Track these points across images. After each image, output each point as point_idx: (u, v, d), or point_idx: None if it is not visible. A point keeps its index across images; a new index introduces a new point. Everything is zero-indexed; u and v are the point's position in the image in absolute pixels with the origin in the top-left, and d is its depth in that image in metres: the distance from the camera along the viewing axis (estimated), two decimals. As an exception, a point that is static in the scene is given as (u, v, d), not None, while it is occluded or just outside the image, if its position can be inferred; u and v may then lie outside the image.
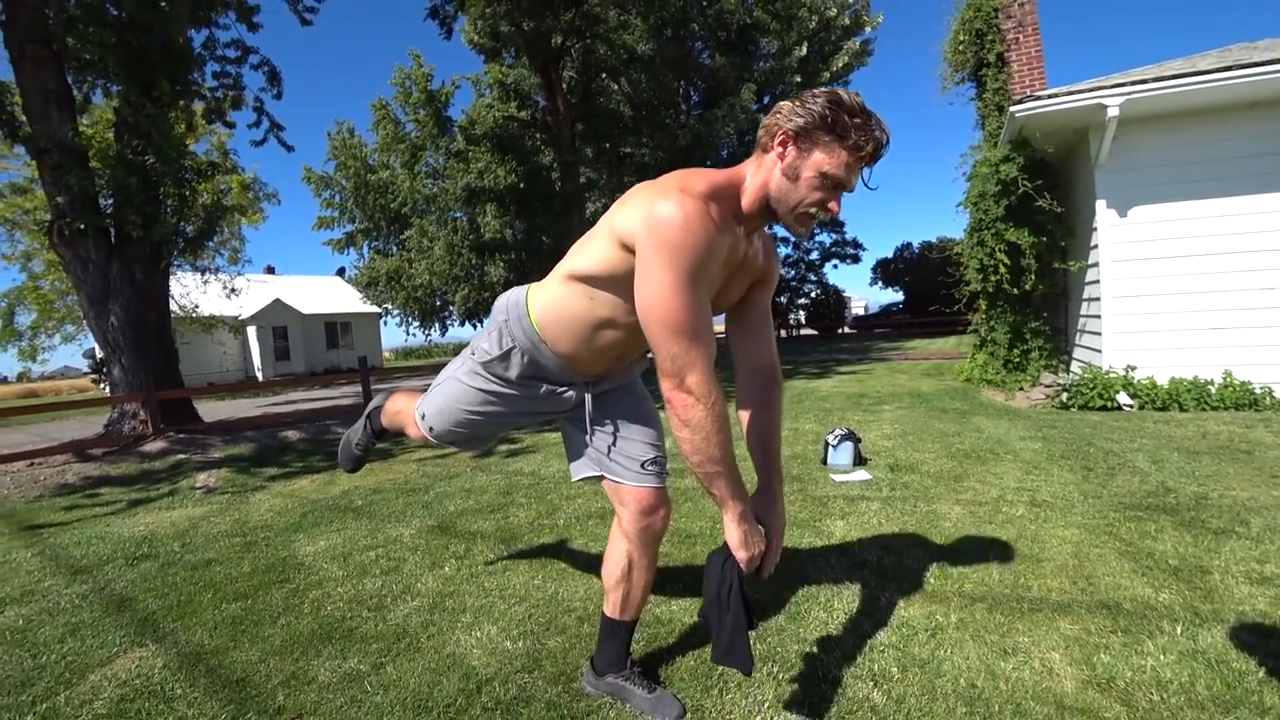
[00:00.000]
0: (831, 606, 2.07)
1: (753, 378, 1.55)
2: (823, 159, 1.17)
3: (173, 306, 16.26)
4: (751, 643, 1.33)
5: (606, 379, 1.59)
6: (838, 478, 3.68)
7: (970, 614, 1.95)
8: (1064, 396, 5.65)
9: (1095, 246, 5.86)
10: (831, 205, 1.20)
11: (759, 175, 1.25)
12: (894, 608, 2.03)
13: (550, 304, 1.43)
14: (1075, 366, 6.76)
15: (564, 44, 13.70)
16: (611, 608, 1.64)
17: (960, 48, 7.65)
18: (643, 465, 1.55)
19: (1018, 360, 7.06)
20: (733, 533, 1.28)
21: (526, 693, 1.72)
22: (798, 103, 1.19)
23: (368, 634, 2.13)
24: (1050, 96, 5.50)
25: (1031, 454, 3.97)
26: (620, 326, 1.38)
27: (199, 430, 7.22)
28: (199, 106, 9.41)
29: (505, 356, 1.50)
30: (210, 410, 11.97)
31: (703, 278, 1.16)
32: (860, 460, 3.95)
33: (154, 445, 6.54)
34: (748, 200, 1.26)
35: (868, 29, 17.26)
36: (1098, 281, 5.82)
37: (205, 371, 22.90)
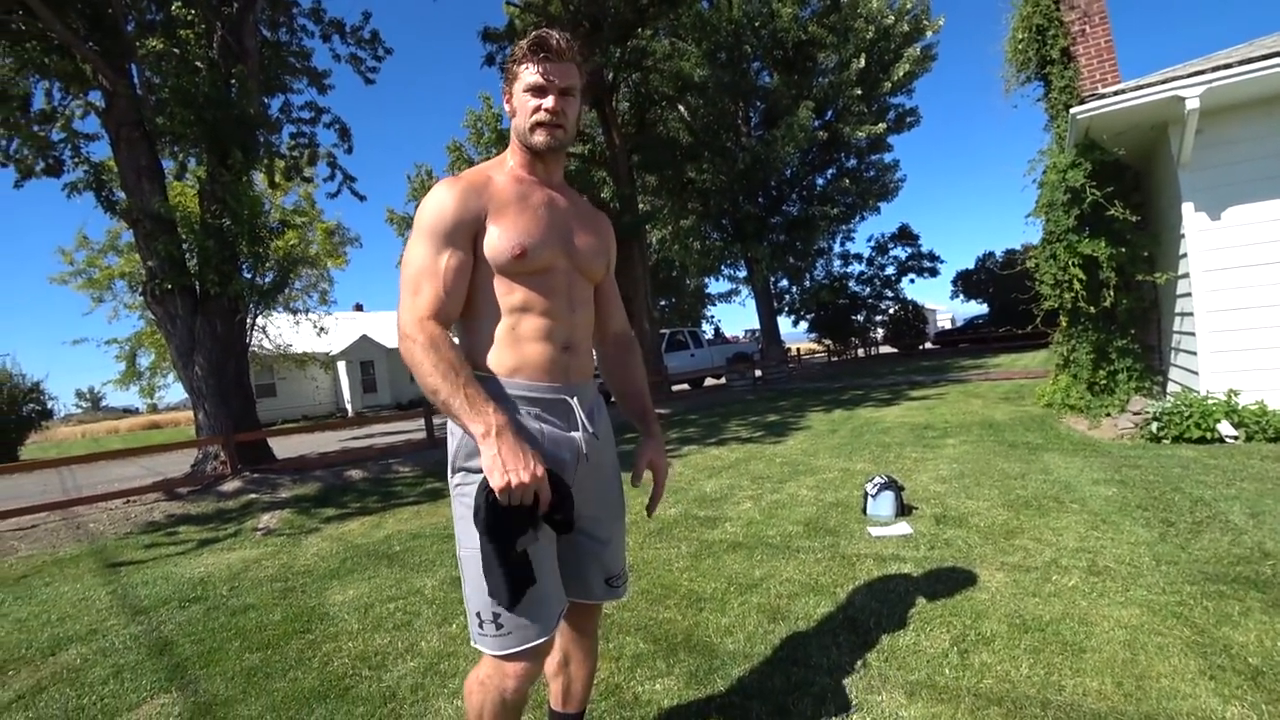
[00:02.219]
0: (824, 700, 1.86)
1: (611, 346, 1.61)
2: (518, 84, 1.33)
3: (267, 345, 17.67)
4: (505, 575, 1.17)
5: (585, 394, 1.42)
6: (875, 531, 3.40)
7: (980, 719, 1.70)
8: (1154, 426, 5.03)
9: (1184, 255, 5.25)
10: (545, 104, 1.30)
11: (512, 134, 1.41)
12: (896, 707, 1.80)
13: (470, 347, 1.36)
14: (1172, 388, 6.05)
15: (616, 79, 13.91)
16: (554, 699, 1.60)
17: (1020, 46, 7.13)
18: None
19: (1104, 383, 6.39)
20: (484, 456, 1.14)
21: None
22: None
23: (360, 694, 2.19)
24: (1116, 94, 4.99)
25: (1102, 503, 3.52)
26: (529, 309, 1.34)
27: (272, 469, 7.66)
28: (279, 165, 10.15)
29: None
30: (299, 444, 12.77)
31: (440, 236, 1.26)
32: (903, 510, 3.63)
33: (231, 485, 6.98)
34: (514, 153, 1.40)
35: (929, 34, 16.48)
36: (1190, 294, 5.20)
37: (299, 404, 24.54)
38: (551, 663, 1.56)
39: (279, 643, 2.71)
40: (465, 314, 1.33)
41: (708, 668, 2.10)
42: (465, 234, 1.27)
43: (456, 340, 1.34)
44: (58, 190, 7.57)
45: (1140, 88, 4.84)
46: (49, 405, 19.88)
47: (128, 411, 48.32)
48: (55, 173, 8.00)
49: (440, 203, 1.26)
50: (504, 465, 1.12)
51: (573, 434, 1.34)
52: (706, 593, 2.77)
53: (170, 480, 7.43)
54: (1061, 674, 1.89)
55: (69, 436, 28.92)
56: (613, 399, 1.67)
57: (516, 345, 1.30)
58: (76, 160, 8.04)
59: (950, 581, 2.64)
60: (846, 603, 2.52)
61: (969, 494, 3.95)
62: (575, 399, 1.35)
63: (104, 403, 59.03)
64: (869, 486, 3.67)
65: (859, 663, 2.05)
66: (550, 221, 1.35)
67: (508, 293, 1.30)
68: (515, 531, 1.17)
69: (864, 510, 3.69)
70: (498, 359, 1.30)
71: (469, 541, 1.27)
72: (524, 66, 1.31)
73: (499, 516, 1.15)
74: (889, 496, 3.57)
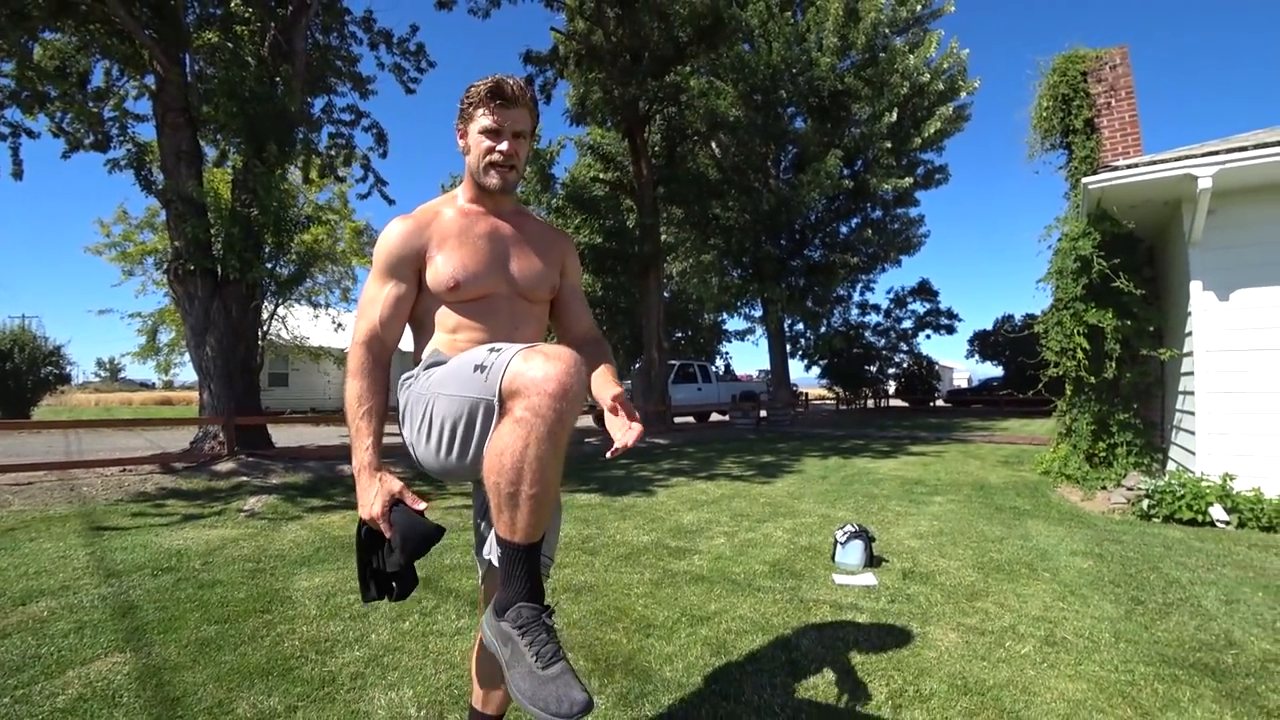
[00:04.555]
0: (746, 741, 1.86)
1: (579, 347, 1.61)
2: (474, 125, 1.44)
3: (285, 335, 17.97)
4: (369, 584, 1.33)
5: None
6: (840, 579, 3.37)
7: (896, 777, 1.68)
8: (1145, 504, 4.95)
9: (1190, 333, 5.21)
10: (500, 147, 1.42)
11: (466, 170, 1.51)
12: (815, 754, 1.79)
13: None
14: (1171, 467, 5.96)
15: (650, 110, 14.20)
16: (475, 699, 1.62)
17: (1046, 114, 7.22)
18: None
19: (1103, 455, 6.30)
20: (357, 486, 1.32)
21: None
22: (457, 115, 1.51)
23: (302, 676, 2.24)
24: (1129, 167, 5.03)
25: (1075, 574, 3.47)
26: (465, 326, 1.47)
27: (267, 455, 7.76)
28: (316, 161, 10.47)
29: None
30: (301, 434, 12.91)
31: (383, 270, 1.42)
32: (872, 561, 3.60)
33: (225, 465, 7.08)
34: (466, 189, 1.53)
35: (963, 94, 16.68)
36: (1192, 373, 5.15)
37: (310, 397, 24.82)
38: (476, 663, 1.59)
39: (237, 619, 2.77)
40: (419, 328, 1.50)
41: (639, 692, 2.10)
42: (407, 267, 1.43)
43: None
44: (98, 165, 7.88)
45: (1154, 163, 4.87)
46: (67, 370, 20.36)
47: (144, 385, 49.15)
48: (102, 148, 8.34)
49: (387, 239, 1.43)
50: (360, 500, 1.31)
51: None
52: (658, 620, 2.77)
53: (168, 454, 7.56)
54: (992, 741, 1.87)
55: (83, 403, 29.48)
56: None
57: (456, 351, 1.41)
58: (123, 138, 8.39)
59: (901, 636, 2.61)
60: (793, 646, 2.51)
61: (942, 552, 3.91)
62: None
63: (122, 374, 60.08)
64: (839, 534, 3.65)
65: (790, 705, 2.04)
66: (490, 252, 1.47)
67: (448, 316, 1.45)
68: (379, 549, 1.32)
69: (833, 557, 3.67)
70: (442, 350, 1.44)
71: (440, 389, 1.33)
72: (480, 110, 1.42)
73: (365, 540, 1.33)
74: (858, 546, 3.55)
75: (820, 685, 2.17)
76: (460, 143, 1.50)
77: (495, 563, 1.37)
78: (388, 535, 1.28)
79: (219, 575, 3.42)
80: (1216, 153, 4.69)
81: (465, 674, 2.22)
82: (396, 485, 1.30)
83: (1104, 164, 6.28)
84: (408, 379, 1.43)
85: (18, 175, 8.44)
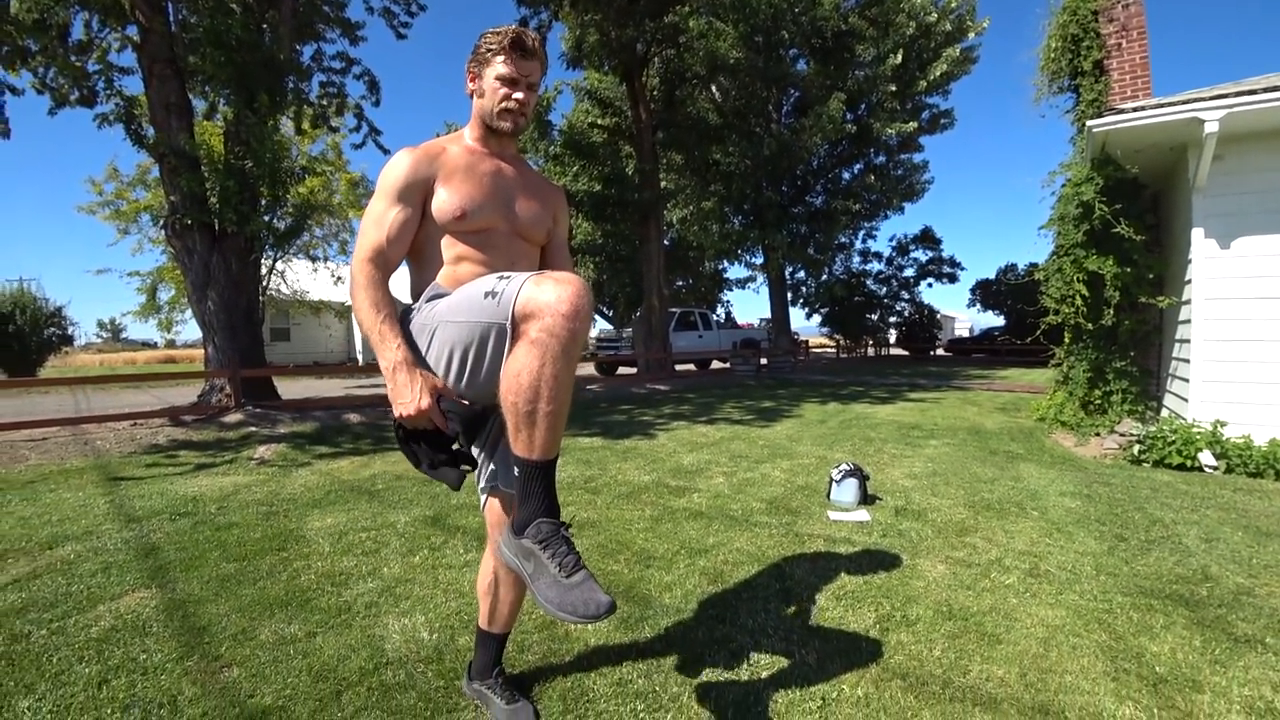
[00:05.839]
0: (739, 656, 1.98)
1: None
2: (490, 70, 1.49)
3: (284, 290, 17.94)
4: (432, 460, 1.40)
5: None
6: (834, 515, 3.50)
7: (880, 690, 1.80)
8: (1136, 449, 5.06)
9: (1189, 281, 5.22)
10: (516, 95, 1.49)
11: (473, 111, 1.57)
12: (804, 668, 1.91)
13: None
14: (1165, 414, 6.05)
15: (648, 53, 13.80)
16: (482, 619, 1.72)
17: (1054, 55, 7.02)
18: None
19: (1098, 402, 6.40)
20: (389, 388, 1.36)
21: (413, 680, 1.86)
22: (470, 56, 1.55)
23: (319, 606, 2.36)
24: (1135, 110, 4.94)
25: (1062, 513, 3.59)
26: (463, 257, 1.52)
27: (274, 406, 7.88)
28: (308, 111, 10.25)
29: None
30: (305, 387, 13.06)
31: (391, 193, 1.45)
32: (866, 499, 3.73)
33: (233, 417, 7.21)
34: (473, 129, 1.58)
35: (971, 35, 16.12)
36: (1190, 321, 5.18)
37: (312, 351, 24.93)
38: (482, 583, 1.69)
39: (254, 557, 2.90)
40: (416, 260, 1.54)
41: (639, 616, 2.23)
42: (415, 194, 1.47)
43: (410, 277, 1.55)
44: (88, 121, 7.73)
45: (1160, 106, 4.79)
46: (70, 331, 20.40)
47: (146, 345, 49.34)
48: (89, 103, 8.15)
49: (396, 165, 1.46)
50: (398, 398, 1.32)
51: None
52: (657, 553, 2.90)
53: (177, 408, 7.68)
54: (971, 659, 1.99)
55: (88, 363, 29.63)
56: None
57: (458, 283, 1.46)
58: (110, 93, 8.19)
59: (891, 567, 2.74)
60: (786, 575, 2.63)
61: (935, 491, 4.03)
62: None
63: (124, 334, 60.22)
64: (834, 473, 3.76)
65: (781, 628, 2.16)
66: (494, 188, 1.53)
67: (451, 246, 1.50)
68: (427, 444, 1.39)
69: (828, 495, 3.79)
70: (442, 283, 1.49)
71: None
72: (500, 58, 1.48)
73: (407, 438, 1.39)
74: (852, 484, 3.66)
75: (811, 610, 2.30)
76: (471, 84, 1.55)
77: (502, 486, 1.47)
78: (443, 425, 1.34)
79: (234, 518, 3.56)
80: (1224, 95, 4.60)
81: (474, 602, 2.35)
82: (436, 379, 1.36)
83: (1111, 107, 6.16)
84: (409, 313, 1.48)
85: (4, 134, 8.29)
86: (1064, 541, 3.11)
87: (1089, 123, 5.29)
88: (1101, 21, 6.52)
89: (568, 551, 1.23)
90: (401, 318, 1.48)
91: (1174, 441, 4.92)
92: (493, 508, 1.57)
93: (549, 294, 1.17)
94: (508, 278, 1.26)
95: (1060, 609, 2.36)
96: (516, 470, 1.27)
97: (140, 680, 1.85)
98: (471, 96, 1.56)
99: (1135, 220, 5.63)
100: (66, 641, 2.09)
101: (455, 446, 1.42)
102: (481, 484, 1.58)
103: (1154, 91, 6.20)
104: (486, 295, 1.25)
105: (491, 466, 1.54)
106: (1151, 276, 5.88)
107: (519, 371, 1.18)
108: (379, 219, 1.45)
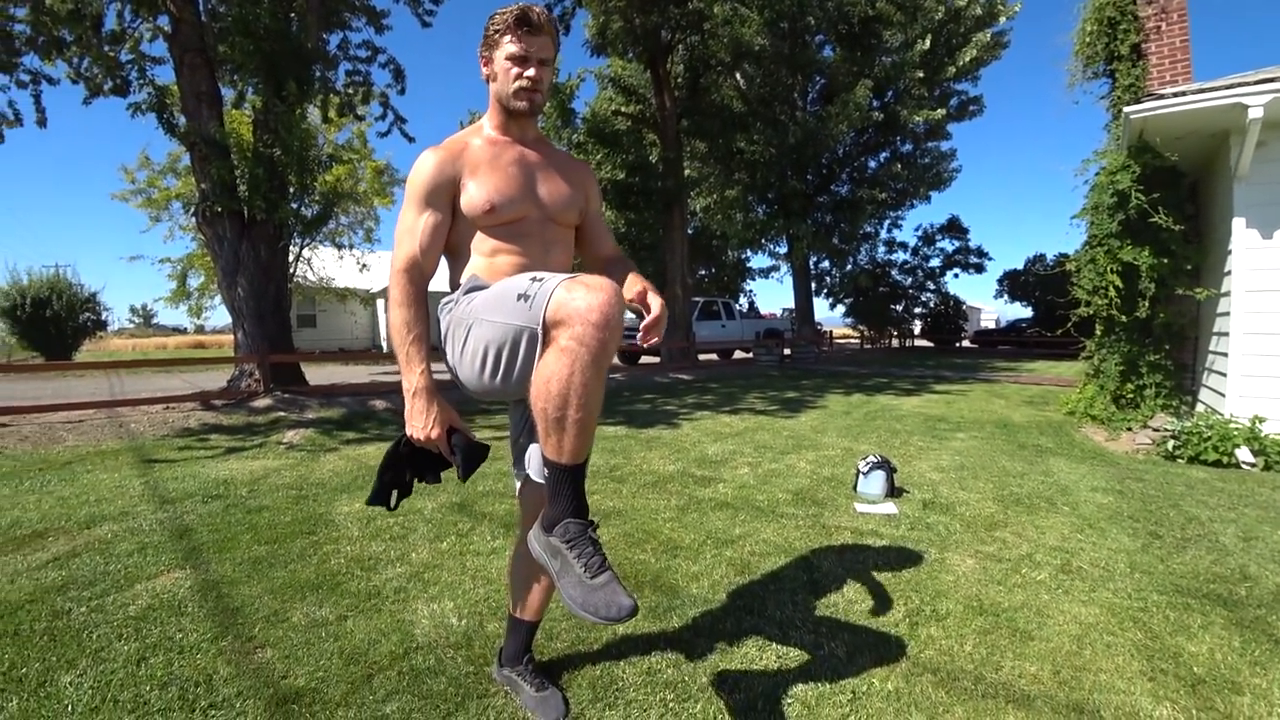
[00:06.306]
0: (767, 648, 1.98)
1: (606, 266, 1.71)
2: (499, 52, 1.48)
3: (310, 277, 18.18)
4: (392, 495, 1.49)
5: None
6: (861, 507, 3.47)
7: (911, 685, 1.79)
8: (1171, 444, 4.94)
9: (1229, 272, 5.07)
10: (527, 73, 1.47)
11: (490, 97, 1.55)
12: (833, 661, 1.90)
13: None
14: (1200, 409, 5.90)
15: (673, 39, 13.66)
16: (512, 605, 1.74)
17: (1090, 38, 6.82)
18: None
19: (1130, 396, 6.26)
20: (406, 407, 1.40)
21: (442, 665, 1.88)
22: (481, 42, 1.53)
23: (349, 590, 2.40)
24: (1175, 95, 4.79)
25: (1094, 509, 3.53)
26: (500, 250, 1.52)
27: (302, 392, 8.01)
28: (334, 100, 10.32)
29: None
30: (332, 373, 13.26)
31: (419, 199, 1.45)
32: (894, 491, 3.69)
33: (262, 402, 7.35)
34: (492, 117, 1.56)
35: (1002, 19, 15.70)
36: (1229, 314, 5.04)
37: (338, 338, 25.28)
38: (513, 571, 1.71)
39: (285, 540, 2.96)
40: (455, 255, 1.54)
41: (667, 606, 2.24)
42: (443, 195, 1.46)
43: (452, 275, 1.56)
44: (121, 110, 7.88)
45: (1201, 91, 4.63)
46: (104, 316, 20.91)
47: (176, 330, 50.44)
48: (122, 93, 8.29)
49: (421, 169, 1.46)
50: (412, 420, 1.38)
51: None
52: (684, 542, 2.90)
53: (207, 393, 7.84)
54: (1003, 656, 1.96)
55: (120, 348, 30.39)
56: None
57: (494, 274, 1.47)
58: (142, 82, 8.32)
59: (920, 561, 2.71)
60: (814, 567, 2.62)
61: (963, 485, 3.98)
62: None
63: (155, 320, 61.66)
64: (861, 464, 3.73)
65: (810, 620, 2.15)
66: (520, 177, 1.51)
67: (484, 240, 1.50)
68: (420, 462, 1.47)
69: (854, 487, 3.76)
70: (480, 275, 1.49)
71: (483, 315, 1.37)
72: (506, 37, 1.45)
73: (409, 453, 1.45)
74: (880, 476, 3.63)
75: (840, 603, 2.28)
76: (485, 70, 1.53)
77: (535, 477, 1.47)
78: (448, 455, 1.39)
79: (265, 501, 3.63)
80: (1270, 80, 4.44)
81: (502, 588, 2.37)
82: (453, 414, 1.41)
83: (1149, 93, 5.97)
84: (448, 303, 1.48)
85: (41, 123, 8.48)
86: (1096, 538, 3.06)
87: (1126, 109, 5.14)
88: (1140, 4, 6.33)
89: (594, 552, 1.24)
90: (441, 307, 1.49)
91: (1210, 437, 4.80)
92: (526, 496, 1.58)
93: (580, 302, 1.16)
94: (540, 279, 1.25)
95: (1094, 606, 2.32)
96: (546, 471, 1.28)
97: (177, 659, 1.89)
98: (487, 82, 1.54)
99: (1173, 210, 5.48)
100: (105, 619, 2.14)
101: (407, 478, 1.50)
102: (515, 470, 1.60)
103: (1193, 76, 6.01)
104: (519, 298, 1.25)
105: (524, 456, 1.55)
106: (1189, 267, 5.72)
107: (549, 378, 1.18)
108: (410, 228, 1.45)
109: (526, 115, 1.53)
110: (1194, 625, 2.19)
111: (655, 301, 1.44)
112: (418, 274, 1.43)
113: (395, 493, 1.49)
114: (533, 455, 1.50)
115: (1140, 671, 1.89)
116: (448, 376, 1.48)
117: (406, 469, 1.47)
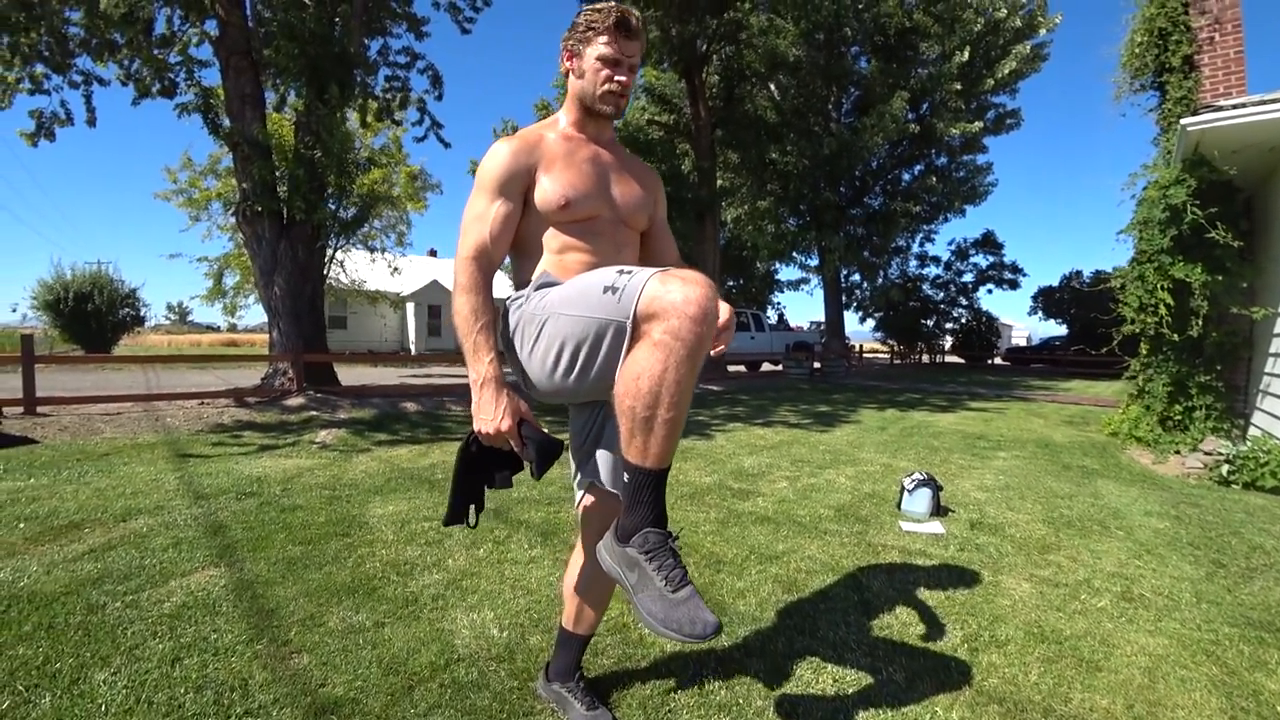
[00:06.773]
0: (822, 670, 1.90)
1: None
2: (591, 50, 1.44)
3: (343, 279, 18.49)
4: (470, 509, 1.41)
5: None
6: (906, 526, 3.37)
7: (976, 714, 1.70)
8: (1225, 469, 4.75)
9: (1290, 293, 4.87)
10: (619, 77, 1.44)
11: (570, 92, 1.52)
12: (892, 687, 1.82)
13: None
14: (1253, 434, 5.67)
15: (709, 49, 13.67)
16: (566, 619, 1.67)
17: (1139, 50, 6.64)
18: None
19: (1178, 418, 6.03)
20: (472, 401, 1.31)
21: (485, 679, 1.81)
22: (568, 32, 1.50)
23: (386, 595, 2.35)
24: (1235, 107, 4.62)
25: (1151, 534, 3.38)
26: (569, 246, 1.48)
27: (334, 392, 8.10)
28: (373, 105, 10.50)
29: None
30: (362, 374, 13.41)
31: (492, 187, 1.40)
32: (939, 510, 3.58)
33: (295, 401, 7.43)
34: (570, 112, 1.53)
35: (1042, 31, 15.43)
36: (1289, 336, 4.84)
37: (367, 339, 25.65)
38: (569, 582, 1.64)
39: (320, 541, 2.93)
40: (521, 252, 1.49)
41: (715, 623, 2.17)
42: (516, 186, 1.42)
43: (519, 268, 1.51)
44: (167, 111, 8.09)
45: (1264, 102, 4.46)
46: (142, 313, 21.47)
47: (210, 328, 51.65)
48: (170, 94, 8.53)
49: (495, 157, 1.41)
50: (480, 413, 1.28)
51: None
52: (727, 557, 2.83)
53: (241, 390, 7.96)
54: (1071, 687, 1.86)
55: (157, 344, 31.17)
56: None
57: (565, 272, 1.42)
58: (189, 84, 8.55)
59: (973, 584, 2.61)
60: (864, 587, 2.53)
61: (1010, 505, 3.85)
62: None
63: (190, 317, 63.18)
64: (906, 481, 3.63)
65: (865, 642, 2.07)
66: (595, 175, 1.48)
67: (554, 237, 1.45)
68: (490, 464, 1.38)
69: (898, 505, 3.66)
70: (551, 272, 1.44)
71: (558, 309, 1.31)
72: (602, 38, 1.42)
73: (479, 453, 1.36)
74: (926, 494, 3.52)
75: (894, 625, 2.20)
76: (568, 63, 1.49)
77: (607, 485, 1.41)
78: (519, 450, 1.30)
79: (298, 500, 3.62)
80: (1341, 91, 4.27)
81: (542, 600, 2.32)
82: (523, 405, 1.32)
83: (1203, 104, 5.78)
84: (517, 299, 1.42)
85: (91, 123, 8.74)
86: (1156, 564, 2.92)
87: (1183, 121, 4.98)
88: (1192, 14, 6.15)
89: (675, 565, 1.15)
90: (510, 302, 1.44)
91: (1267, 463, 4.60)
92: (590, 506, 1.50)
93: (676, 294, 1.09)
94: (629, 272, 1.19)
95: (1161, 637, 2.20)
96: (626, 476, 1.18)
97: (212, 661, 1.84)
98: (568, 75, 1.50)
99: (1229, 225, 5.28)
100: (140, 615, 2.10)
101: (484, 484, 1.41)
102: (578, 479, 1.51)
103: (1247, 89, 5.81)
104: (606, 290, 1.18)
105: (591, 463, 1.47)
106: (1245, 286, 5.51)
107: (639, 375, 1.10)
108: (481, 215, 1.39)
109: (608, 118, 1.50)
110: (1271, 661, 2.07)
111: (724, 308, 1.38)
112: (486, 261, 1.38)
113: (473, 507, 1.41)
114: (602, 462, 1.44)
115: (1220, 709, 1.78)
116: (512, 378, 1.43)
117: (480, 474, 1.39)
